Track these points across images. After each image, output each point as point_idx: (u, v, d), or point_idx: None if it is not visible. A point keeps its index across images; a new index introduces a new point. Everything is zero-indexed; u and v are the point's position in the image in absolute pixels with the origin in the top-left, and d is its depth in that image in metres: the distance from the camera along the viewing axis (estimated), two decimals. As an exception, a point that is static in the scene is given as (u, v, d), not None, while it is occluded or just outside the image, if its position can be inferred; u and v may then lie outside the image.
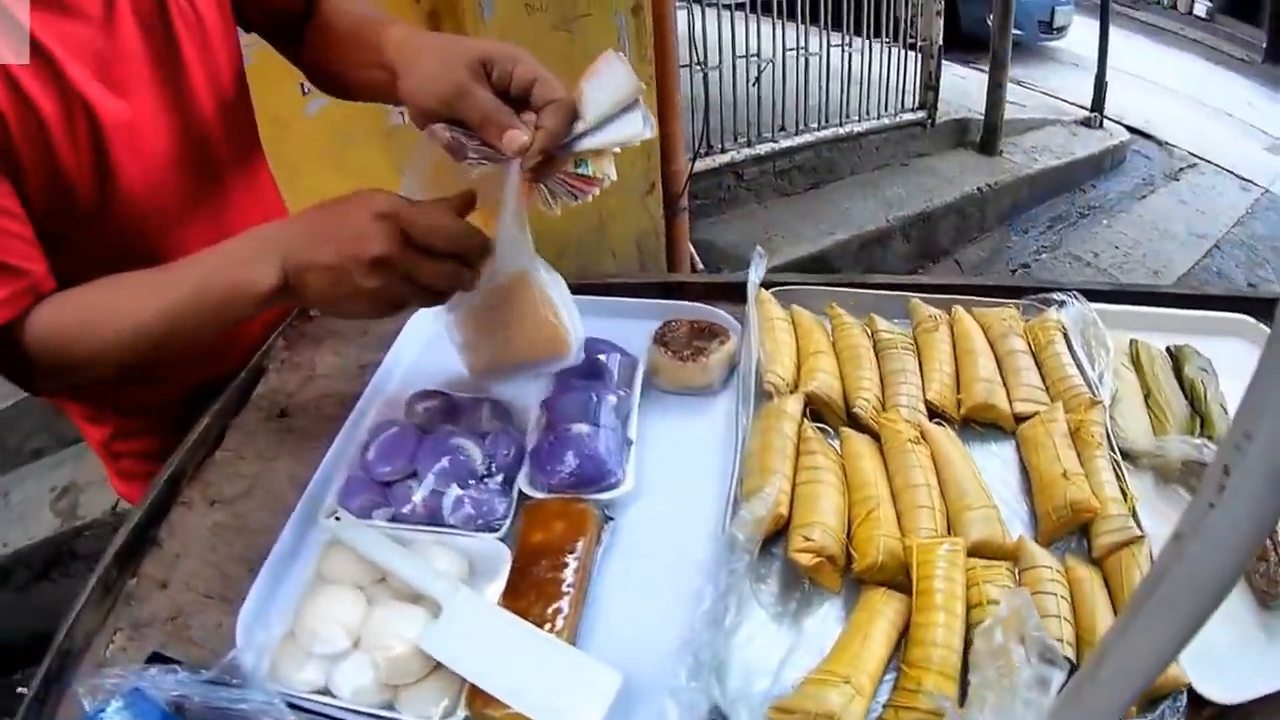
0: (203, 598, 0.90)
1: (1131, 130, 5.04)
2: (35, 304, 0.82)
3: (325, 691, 0.77)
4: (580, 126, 0.80)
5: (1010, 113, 4.27)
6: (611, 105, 0.80)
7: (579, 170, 0.82)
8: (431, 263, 0.77)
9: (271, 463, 1.04)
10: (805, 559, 0.77)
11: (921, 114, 3.97)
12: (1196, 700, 0.71)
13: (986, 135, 4.17)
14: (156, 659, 0.80)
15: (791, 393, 0.96)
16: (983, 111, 4.18)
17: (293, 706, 0.74)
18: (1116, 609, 0.77)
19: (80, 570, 2.39)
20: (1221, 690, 0.71)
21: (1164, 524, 0.84)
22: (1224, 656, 0.73)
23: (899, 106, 3.93)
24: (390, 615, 0.79)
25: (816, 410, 0.96)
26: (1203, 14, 9.21)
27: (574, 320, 0.90)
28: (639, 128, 0.80)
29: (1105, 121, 4.86)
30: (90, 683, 0.72)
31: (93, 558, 2.31)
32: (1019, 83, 5.04)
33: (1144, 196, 4.62)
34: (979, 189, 3.93)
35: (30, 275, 0.82)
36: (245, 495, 1.01)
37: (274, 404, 1.13)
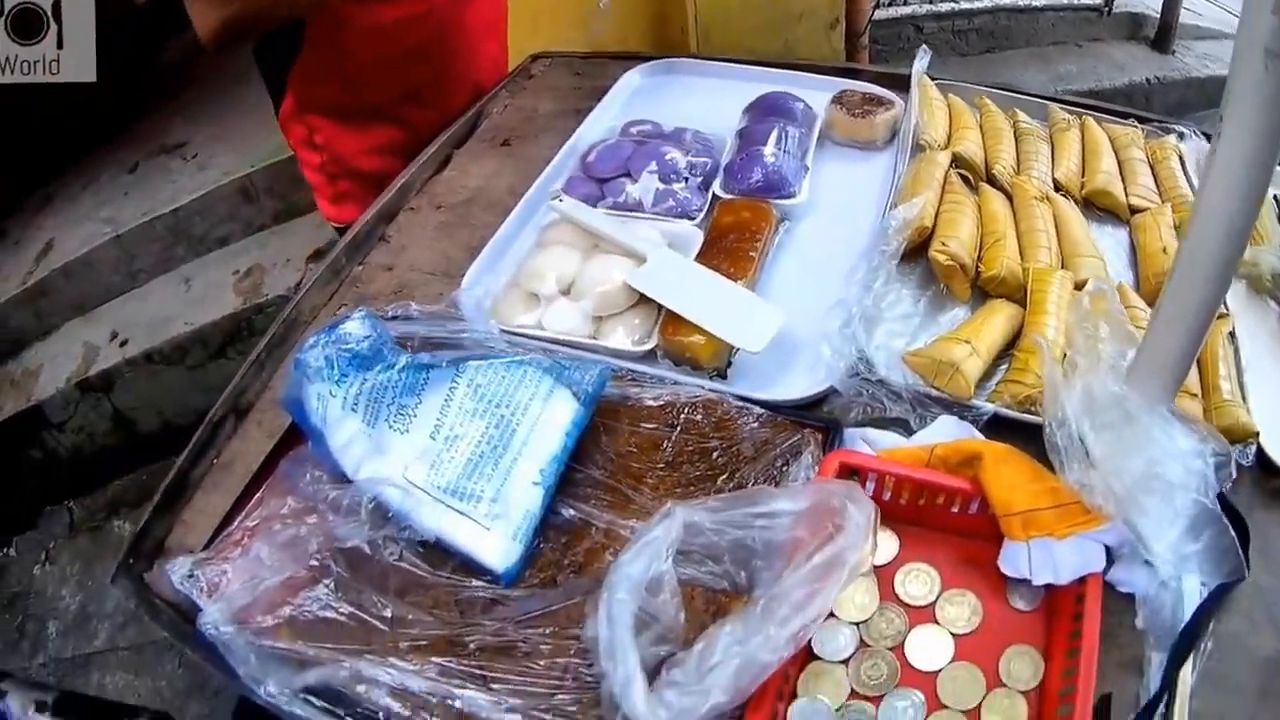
0: (426, 275, 1.05)
1: (1306, 63, 4.74)
2: None
3: (538, 328, 0.94)
4: None
5: (1186, 18, 4.08)
6: None
7: None
8: None
9: (494, 178, 1.22)
10: (942, 258, 0.96)
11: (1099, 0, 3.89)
12: (1266, 468, 0.78)
13: (1161, 33, 4.00)
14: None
15: (942, 150, 1.14)
16: (1159, 10, 4.02)
17: (508, 341, 0.89)
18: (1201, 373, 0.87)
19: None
20: None
21: (1250, 332, 0.92)
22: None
23: (1079, -11, 3.86)
24: (603, 263, 0.97)
25: (961, 169, 1.13)
26: None
27: None
28: None
29: (1281, 47, 4.59)
30: (315, 335, 0.79)
31: (272, 332, 2.44)
32: (1200, -8, 4.79)
33: (1305, 129, 4.41)
34: (1147, 80, 3.83)
35: None
36: (469, 201, 1.18)
37: (497, 136, 1.32)
